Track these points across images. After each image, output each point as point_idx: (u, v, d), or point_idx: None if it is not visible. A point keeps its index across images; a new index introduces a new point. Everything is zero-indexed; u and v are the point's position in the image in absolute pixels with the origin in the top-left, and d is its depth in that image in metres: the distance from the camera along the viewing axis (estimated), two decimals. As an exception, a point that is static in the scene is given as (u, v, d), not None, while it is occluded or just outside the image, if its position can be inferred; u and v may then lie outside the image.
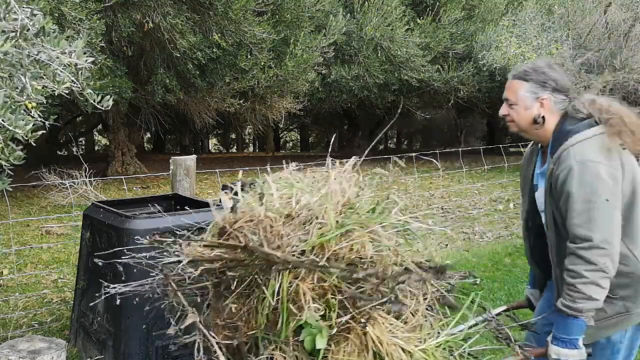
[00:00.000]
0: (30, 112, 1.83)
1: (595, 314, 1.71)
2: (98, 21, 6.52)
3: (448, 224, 6.48)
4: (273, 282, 1.43)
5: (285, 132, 28.04)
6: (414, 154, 6.49)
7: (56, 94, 1.74)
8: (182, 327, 1.57)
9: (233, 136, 26.62)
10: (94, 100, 1.82)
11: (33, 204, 7.61)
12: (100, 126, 18.07)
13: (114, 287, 1.80)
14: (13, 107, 1.58)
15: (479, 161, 7.52)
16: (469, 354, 1.58)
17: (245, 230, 1.48)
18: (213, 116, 10.59)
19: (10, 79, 1.66)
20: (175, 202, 3.23)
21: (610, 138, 1.73)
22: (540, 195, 1.92)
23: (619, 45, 9.66)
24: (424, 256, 1.72)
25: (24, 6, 1.56)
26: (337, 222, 1.49)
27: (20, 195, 8.20)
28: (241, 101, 9.90)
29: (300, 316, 1.41)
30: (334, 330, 1.43)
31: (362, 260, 1.48)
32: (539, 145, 1.98)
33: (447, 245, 5.58)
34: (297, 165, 1.79)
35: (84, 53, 1.73)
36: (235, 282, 1.51)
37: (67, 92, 1.75)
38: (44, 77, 1.64)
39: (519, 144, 8.77)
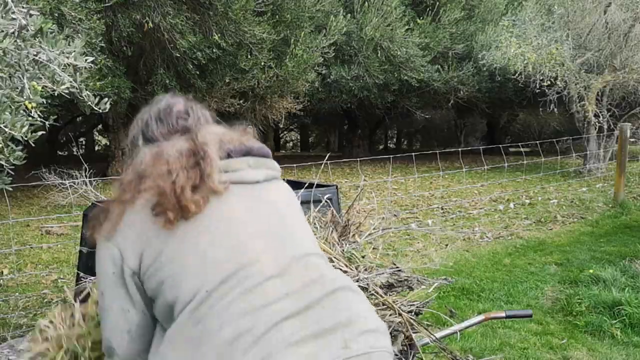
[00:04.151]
0: (30, 112, 1.83)
1: None
2: (98, 21, 6.52)
3: (448, 224, 6.48)
4: None
5: (285, 132, 28.03)
6: (414, 154, 6.50)
7: (56, 95, 1.74)
8: None
9: (233, 136, 26.58)
10: (92, 102, 1.82)
11: (33, 204, 7.61)
12: (100, 126, 18.08)
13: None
14: (12, 106, 1.58)
15: (479, 161, 7.52)
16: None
17: None
18: (213, 116, 10.58)
19: (11, 79, 1.66)
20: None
21: None
22: None
23: (619, 45, 9.66)
24: None
25: (22, 5, 1.56)
26: None
27: (20, 195, 8.20)
28: (241, 101, 9.90)
29: None
30: None
31: None
32: None
33: (447, 245, 5.58)
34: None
35: (84, 54, 1.73)
36: None
37: (66, 92, 1.75)
38: (43, 77, 1.64)
39: (519, 144, 8.78)
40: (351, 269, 1.74)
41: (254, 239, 1.15)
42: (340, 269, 1.71)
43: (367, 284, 1.69)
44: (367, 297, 1.69)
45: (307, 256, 1.18)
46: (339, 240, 1.89)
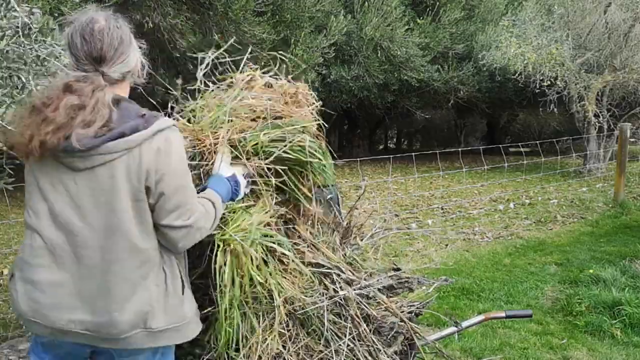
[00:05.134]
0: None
1: None
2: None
3: (448, 224, 6.48)
4: None
5: (285, 132, 28.00)
6: (414, 154, 6.50)
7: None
8: None
9: (233, 136, 26.55)
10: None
11: (33, 204, 7.59)
12: (100, 126, 18.06)
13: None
14: (13, 106, 1.58)
15: (479, 161, 7.52)
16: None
17: None
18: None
19: (10, 78, 1.66)
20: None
21: None
22: None
23: (619, 45, 9.66)
24: None
25: (25, 5, 1.56)
26: None
27: (21, 195, 8.18)
28: (241, 101, 9.90)
29: None
30: None
31: None
32: None
33: (447, 245, 5.58)
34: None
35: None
36: None
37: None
38: (45, 74, 1.64)
39: (519, 144, 8.78)
40: (355, 277, 1.74)
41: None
42: (343, 276, 1.72)
43: (369, 292, 1.70)
44: (369, 303, 1.71)
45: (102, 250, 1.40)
46: (340, 243, 1.88)
